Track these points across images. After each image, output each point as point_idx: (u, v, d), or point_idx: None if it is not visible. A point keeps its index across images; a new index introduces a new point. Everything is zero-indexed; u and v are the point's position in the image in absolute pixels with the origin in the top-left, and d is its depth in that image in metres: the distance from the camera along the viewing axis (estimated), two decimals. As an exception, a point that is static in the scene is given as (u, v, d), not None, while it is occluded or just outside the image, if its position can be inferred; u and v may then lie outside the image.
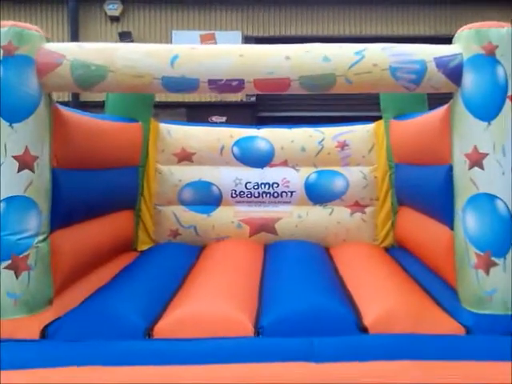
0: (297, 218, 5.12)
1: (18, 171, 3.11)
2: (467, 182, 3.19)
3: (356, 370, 2.62)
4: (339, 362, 2.69)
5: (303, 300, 3.30)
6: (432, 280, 3.74)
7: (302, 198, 5.14)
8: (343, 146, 5.16)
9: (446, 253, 3.40)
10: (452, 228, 3.34)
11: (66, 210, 3.50)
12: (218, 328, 3.05)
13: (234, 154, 5.21)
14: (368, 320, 3.14)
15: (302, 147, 5.18)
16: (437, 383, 2.53)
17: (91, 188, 4.03)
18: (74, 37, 11.35)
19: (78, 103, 10.95)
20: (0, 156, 3.08)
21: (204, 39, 11.41)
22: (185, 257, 4.59)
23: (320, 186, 5.14)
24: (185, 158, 5.20)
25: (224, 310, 3.20)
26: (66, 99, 10.83)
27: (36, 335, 3.05)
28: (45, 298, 3.25)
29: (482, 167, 3.15)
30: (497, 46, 3.15)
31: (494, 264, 3.11)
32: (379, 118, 5.21)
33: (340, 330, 3.00)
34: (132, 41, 11.11)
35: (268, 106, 11.85)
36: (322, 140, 5.18)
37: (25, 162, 3.12)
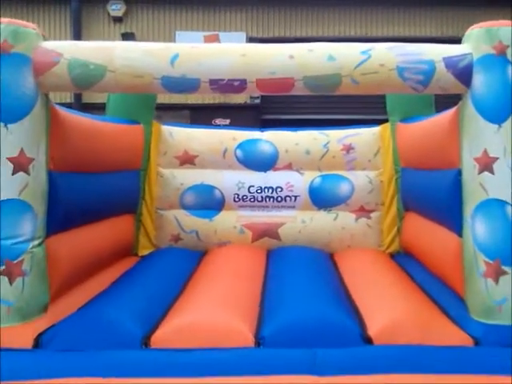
0: (301, 223, 5.05)
1: (13, 173, 3.03)
2: (477, 187, 3.11)
3: (360, 383, 2.56)
4: (343, 375, 2.64)
5: (306, 309, 3.22)
6: (439, 288, 3.65)
7: (306, 203, 5.07)
8: (349, 149, 5.09)
9: (454, 260, 3.32)
10: (460, 235, 3.26)
11: (63, 213, 3.42)
12: (217, 338, 2.97)
13: (237, 157, 5.14)
14: (373, 330, 3.06)
15: (306, 150, 5.10)
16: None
17: (90, 191, 3.96)
18: (77, 37, 11.30)
19: (80, 105, 10.90)
20: (-6, 157, 3.00)
21: (208, 40, 11.35)
22: (186, 262, 4.52)
23: (324, 190, 5.07)
24: (187, 160, 5.13)
25: (223, 319, 3.12)
26: (69, 100, 10.82)
27: (29, 344, 2.97)
28: (40, 304, 3.16)
29: (492, 172, 3.07)
30: (508, 46, 3.08)
31: (504, 273, 3.02)
32: (385, 120, 5.14)
33: (344, 340, 2.93)
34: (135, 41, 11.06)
35: (273, 108, 11.78)
36: (327, 143, 5.11)
37: (20, 164, 3.04)
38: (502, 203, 3.05)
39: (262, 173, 5.12)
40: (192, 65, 3.14)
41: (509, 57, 3.07)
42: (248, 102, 11.74)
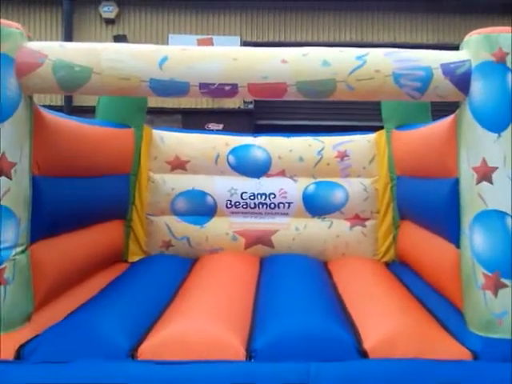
0: (294, 231, 4.98)
1: (-6, 178, 2.93)
2: (475, 198, 3.03)
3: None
4: (338, 390, 2.55)
5: (300, 321, 3.13)
6: (436, 300, 3.58)
7: (299, 210, 5.00)
8: (343, 156, 5.03)
9: (452, 272, 3.24)
10: (458, 246, 3.18)
11: (48, 219, 3.33)
12: (207, 350, 2.88)
13: (229, 162, 5.06)
14: (368, 344, 2.98)
15: (300, 157, 5.04)
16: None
17: (77, 197, 3.87)
18: (68, 39, 11.18)
19: (71, 108, 10.80)
20: (-26, 162, 2.90)
21: (201, 43, 11.26)
22: (176, 270, 4.44)
23: (319, 197, 5.00)
24: (178, 166, 5.05)
25: (213, 331, 3.03)
26: (60, 103, 10.71)
27: (11, 355, 2.87)
28: (22, 314, 3.06)
29: (491, 182, 2.99)
30: (507, 53, 3.01)
31: (504, 285, 2.94)
32: (381, 127, 5.09)
33: (338, 354, 2.85)
34: (128, 45, 10.97)
35: (267, 113, 11.72)
36: (322, 149, 5.05)
37: (1, 169, 2.94)
38: (501, 214, 2.97)
39: (255, 179, 5.04)
40: (181, 68, 3.06)
41: (508, 64, 3.00)
42: (242, 106, 11.67)
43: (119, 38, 11.35)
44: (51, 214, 3.34)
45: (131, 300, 3.57)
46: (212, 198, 5.00)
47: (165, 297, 3.72)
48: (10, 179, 2.96)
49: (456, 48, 3.20)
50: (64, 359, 2.80)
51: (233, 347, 2.92)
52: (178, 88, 3.08)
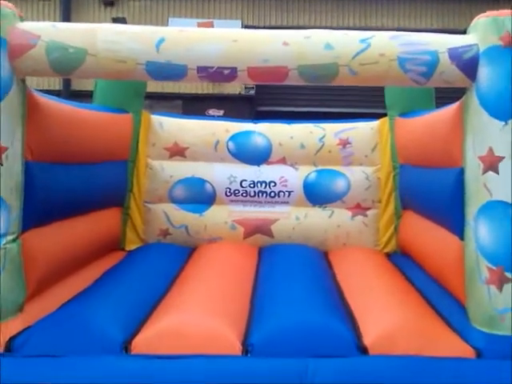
0: (294, 220, 4.91)
1: (-16, 164, 2.84)
2: (480, 188, 2.94)
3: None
4: (336, 387, 2.51)
5: (298, 315, 3.06)
6: (438, 294, 3.50)
7: (300, 199, 4.93)
8: (345, 143, 4.95)
9: (455, 265, 3.16)
10: (462, 238, 3.10)
11: (41, 207, 3.25)
12: (202, 344, 2.82)
13: (229, 149, 4.98)
14: (368, 339, 2.91)
15: (301, 144, 4.95)
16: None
17: (73, 183, 3.79)
18: (66, 21, 11.04)
19: (69, 92, 10.68)
20: (-37, 147, 2.81)
21: (202, 27, 11.12)
22: (173, 259, 4.37)
23: (320, 186, 4.93)
24: (177, 152, 4.97)
25: (209, 324, 2.95)
26: (58, 87, 10.59)
27: (0, 348, 2.81)
28: (14, 304, 2.99)
29: (497, 171, 2.89)
30: (515, 37, 2.91)
31: (508, 280, 2.85)
32: (384, 115, 5.01)
33: (337, 350, 2.79)
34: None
35: (268, 99, 11.62)
36: (323, 137, 4.96)
37: (-9, 154, 2.85)
38: (506, 206, 2.88)
39: (255, 166, 4.97)
40: (179, 50, 2.95)
41: (517, 49, 2.89)
42: (243, 92, 11.58)
43: (118, 21, 11.24)
44: (44, 202, 3.26)
45: (126, 291, 3.50)
46: (211, 185, 4.93)
47: (161, 288, 3.65)
48: (1, 164, 2.87)
49: (461, 33, 3.10)
50: (56, 352, 2.75)
51: (228, 341, 2.86)
52: (174, 71, 2.98)
